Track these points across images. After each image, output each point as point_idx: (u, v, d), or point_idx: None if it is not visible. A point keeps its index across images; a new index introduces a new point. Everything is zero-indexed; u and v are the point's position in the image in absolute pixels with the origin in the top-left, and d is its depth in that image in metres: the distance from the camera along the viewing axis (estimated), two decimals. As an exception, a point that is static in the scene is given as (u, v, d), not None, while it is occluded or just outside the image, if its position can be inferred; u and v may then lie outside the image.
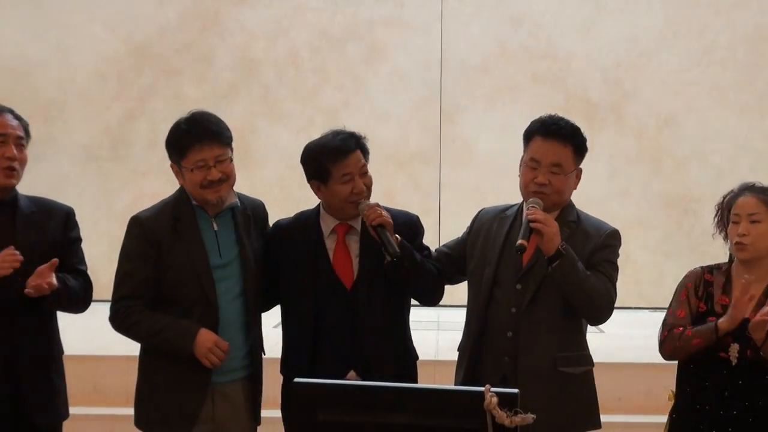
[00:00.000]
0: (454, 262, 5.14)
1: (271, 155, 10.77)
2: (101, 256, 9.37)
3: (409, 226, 4.98)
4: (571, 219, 4.86)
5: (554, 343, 4.78)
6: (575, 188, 4.95)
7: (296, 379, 3.25)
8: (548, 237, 4.56)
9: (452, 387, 3.33)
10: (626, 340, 8.09)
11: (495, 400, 3.03)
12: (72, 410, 5.00)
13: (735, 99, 11.10)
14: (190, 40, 11.20)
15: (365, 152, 4.95)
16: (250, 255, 4.81)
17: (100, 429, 6.39)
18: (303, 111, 11.14)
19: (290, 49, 11.23)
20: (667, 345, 4.76)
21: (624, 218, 10.80)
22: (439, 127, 11.16)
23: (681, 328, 4.70)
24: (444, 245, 5.26)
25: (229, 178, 4.74)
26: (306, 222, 4.96)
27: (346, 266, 4.87)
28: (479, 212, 5.20)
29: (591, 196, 10.73)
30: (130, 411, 4.95)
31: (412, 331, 5.07)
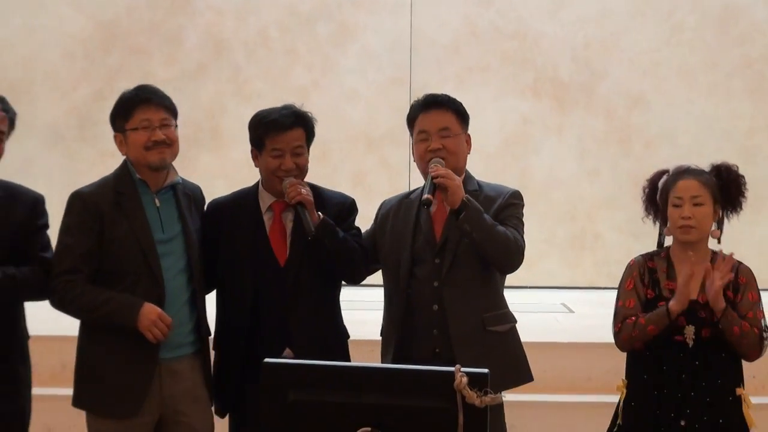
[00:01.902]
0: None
1: (241, 135, 10.53)
2: (69, 236, 9.37)
3: (342, 207, 5.06)
4: (472, 188, 4.99)
5: (479, 306, 4.95)
6: (468, 153, 5.11)
7: (266, 360, 3.25)
8: (452, 190, 4.70)
9: (422, 367, 3.33)
10: (596, 319, 8.12)
11: (465, 380, 3.06)
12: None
13: (703, 79, 11.15)
14: (159, 20, 11.16)
15: (309, 134, 4.98)
16: (191, 230, 4.83)
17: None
18: (272, 91, 11.10)
19: (260, 28, 11.21)
20: (623, 335, 4.79)
21: (593, 198, 10.91)
22: (408, 108, 11.15)
23: (633, 318, 4.73)
24: None
25: (172, 145, 4.81)
26: (245, 198, 5.03)
27: (280, 243, 4.93)
28: (382, 203, 5.40)
29: (560, 176, 10.83)
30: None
31: (363, 311, 5.13)
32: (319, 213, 4.78)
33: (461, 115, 5.08)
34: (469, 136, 5.10)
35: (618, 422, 4.87)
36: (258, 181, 5.06)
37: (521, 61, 11.18)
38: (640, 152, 11.03)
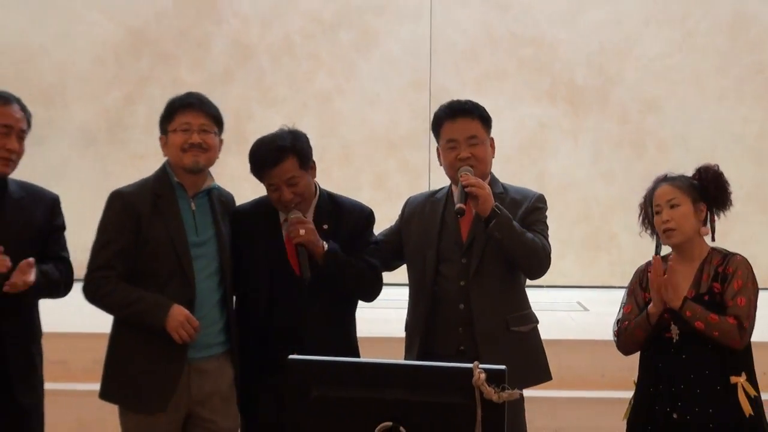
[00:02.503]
0: (392, 248, 5.22)
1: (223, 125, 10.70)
2: (100, 236, 9.40)
3: (359, 220, 4.99)
4: (497, 191, 4.96)
5: (504, 307, 4.94)
6: (493, 157, 5.08)
7: (290, 357, 3.26)
8: (483, 198, 4.69)
9: (442, 364, 3.33)
10: (610, 317, 7.99)
11: (483, 376, 3.05)
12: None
13: (714, 85, 11.13)
14: (187, 27, 11.20)
15: (302, 158, 4.82)
16: (224, 234, 4.83)
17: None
18: (296, 96, 11.15)
19: (284, 35, 11.22)
20: (621, 341, 4.84)
21: (607, 200, 10.88)
22: (428, 111, 11.14)
23: (626, 323, 4.78)
24: (379, 233, 5.29)
25: (209, 150, 4.79)
26: (265, 207, 4.96)
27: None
28: (408, 200, 5.35)
29: (575, 179, 10.82)
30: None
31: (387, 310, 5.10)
32: (324, 243, 4.74)
33: (486, 121, 5.04)
34: (492, 139, 5.07)
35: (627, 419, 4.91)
36: None
37: (538, 66, 11.18)
38: (653, 155, 11.01)
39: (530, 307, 5.10)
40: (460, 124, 4.98)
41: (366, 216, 5.03)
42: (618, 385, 6.58)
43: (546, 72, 11.16)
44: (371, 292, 4.99)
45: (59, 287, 4.82)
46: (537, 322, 5.11)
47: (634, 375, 4.99)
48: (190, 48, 11.18)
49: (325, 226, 4.80)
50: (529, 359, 4.99)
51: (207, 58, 11.16)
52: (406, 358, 5.07)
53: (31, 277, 4.52)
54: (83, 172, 10.94)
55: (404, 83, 11.20)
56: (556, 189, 10.11)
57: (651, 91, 11.17)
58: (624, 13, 11.16)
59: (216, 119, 4.86)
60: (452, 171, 4.94)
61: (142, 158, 10.86)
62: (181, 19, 11.19)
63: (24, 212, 4.73)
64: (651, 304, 4.61)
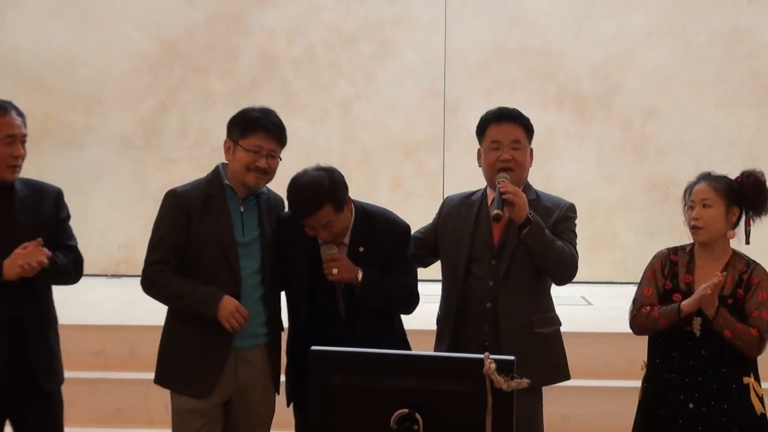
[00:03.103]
0: (428, 245, 5.22)
1: (290, 144, 10.66)
2: (136, 235, 9.44)
3: (394, 239, 4.90)
4: (531, 197, 4.93)
5: (528, 309, 4.93)
6: (530, 166, 5.07)
7: (313, 348, 3.27)
8: (519, 206, 4.67)
9: (454, 354, 3.34)
10: (613, 312, 8.09)
11: (493, 366, 3.06)
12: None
13: (712, 93, 11.09)
14: (216, 39, 11.20)
15: (337, 203, 4.69)
16: (268, 236, 4.84)
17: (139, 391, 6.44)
18: (319, 103, 11.15)
19: (307, 46, 11.22)
20: (637, 323, 4.83)
21: (611, 201, 10.87)
22: (443, 118, 11.16)
23: (648, 308, 4.76)
24: (417, 231, 5.28)
25: (270, 174, 4.82)
26: None
27: None
28: (445, 200, 5.33)
29: (580, 181, 10.81)
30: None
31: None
32: (360, 272, 4.70)
33: (529, 130, 5.04)
34: (532, 149, 5.07)
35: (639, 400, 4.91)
36: None
37: (545, 75, 11.15)
38: (654, 159, 10.99)
39: (554, 311, 5.10)
40: (506, 127, 4.97)
41: (402, 234, 4.95)
42: (620, 374, 6.59)
43: (553, 81, 11.14)
44: (407, 309, 4.97)
45: (69, 272, 4.86)
46: (560, 324, 5.10)
47: (637, 366, 4.98)
48: (220, 59, 11.18)
49: (361, 249, 4.77)
50: (549, 360, 4.99)
51: (235, 68, 11.16)
52: (436, 350, 5.08)
53: (42, 256, 4.56)
54: (120, 175, 10.96)
55: (420, 91, 11.19)
56: (562, 191, 10.01)
57: (652, 99, 11.13)
58: (626, 25, 11.13)
59: (283, 143, 4.89)
60: (491, 171, 4.94)
61: (175, 162, 10.90)
62: (210, 32, 11.20)
63: (31, 209, 4.79)
64: (687, 302, 4.57)
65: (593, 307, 8.87)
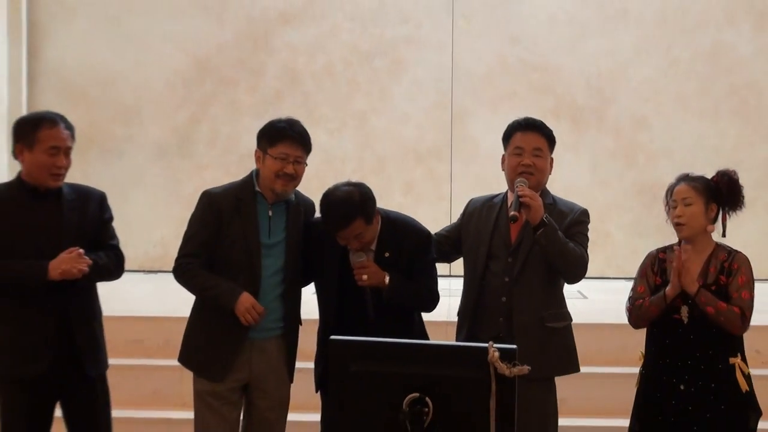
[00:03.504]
0: (452, 243, 5.19)
1: (311, 152, 10.73)
2: (170, 234, 9.45)
3: (418, 244, 4.87)
4: (548, 202, 4.95)
5: (540, 304, 4.89)
6: (550, 174, 5.08)
7: (332, 337, 3.28)
8: (534, 209, 4.67)
9: (461, 343, 3.36)
10: (605, 304, 8.10)
11: (497, 354, 3.06)
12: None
13: (696, 104, 11.08)
14: (244, 56, 11.22)
15: (368, 216, 4.67)
16: (293, 240, 4.84)
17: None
18: (337, 115, 11.16)
19: (327, 62, 11.23)
20: (633, 316, 4.86)
21: (603, 204, 10.85)
22: (450, 128, 11.16)
23: (640, 301, 4.80)
24: (443, 229, 5.28)
25: (297, 178, 4.80)
26: None
27: None
28: (470, 201, 5.27)
29: (576, 185, 10.78)
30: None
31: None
32: (387, 276, 4.68)
33: (551, 141, 5.05)
34: (552, 159, 5.08)
35: (636, 386, 4.94)
36: None
37: (544, 89, 11.14)
38: (642, 165, 10.98)
39: (565, 306, 5.05)
40: (530, 136, 4.98)
41: (424, 240, 4.90)
42: (612, 361, 6.58)
43: (551, 94, 11.13)
44: (428, 308, 4.95)
45: (110, 270, 4.87)
46: (570, 320, 5.06)
47: (627, 353, 5.00)
48: (247, 74, 11.20)
49: (387, 254, 4.74)
50: (560, 353, 4.95)
51: (261, 82, 11.17)
52: (457, 339, 5.06)
53: (84, 265, 4.58)
54: (156, 180, 10.99)
55: (429, 103, 11.18)
56: (560, 194, 9.99)
57: (641, 110, 11.13)
58: (618, 43, 11.12)
59: (308, 149, 4.86)
60: (513, 175, 4.93)
61: (206, 168, 10.92)
62: (239, 49, 11.21)
63: (77, 211, 4.79)
64: (669, 287, 4.64)
65: (588, 300, 8.86)
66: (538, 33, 11.21)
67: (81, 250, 4.59)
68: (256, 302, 4.66)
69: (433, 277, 4.92)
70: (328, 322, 4.85)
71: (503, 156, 5.05)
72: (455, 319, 5.17)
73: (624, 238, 10.59)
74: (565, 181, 10.76)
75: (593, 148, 11.10)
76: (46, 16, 11.22)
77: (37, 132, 4.66)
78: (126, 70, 11.17)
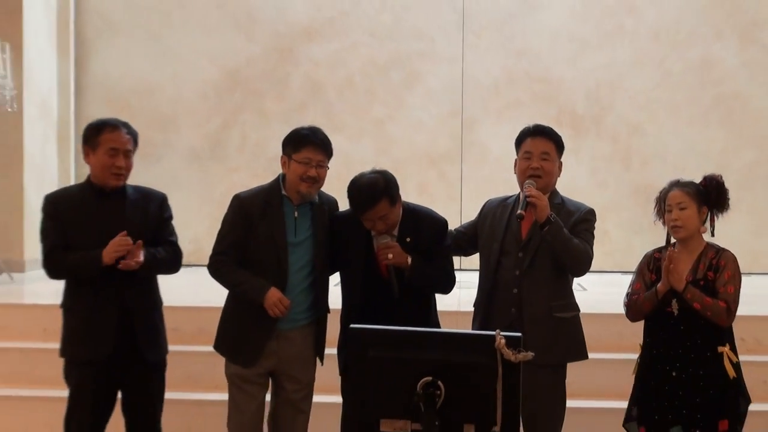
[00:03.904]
0: (468, 239, 5.17)
1: (333, 156, 10.76)
2: (204, 231, 9.45)
3: (435, 231, 4.87)
4: (557, 202, 4.93)
5: (549, 295, 4.85)
6: (558, 176, 5.04)
7: (351, 326, 3.28)
8: (541, 208, 4.67)
9: (470, 331, 3.35)
10: (604, 295, 8.06)
11: (503, 341, 3.06)
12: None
13: (686, 113, 11.07)
14: (271, 68, 11.23)
15: (393, 199, 4.68)
16: (319, 237, 4.84)
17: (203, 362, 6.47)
18: (357, 122, 11.16)
19: (347, 74, 11.23)
20: (630, 311, 4.87)
21: (602, 204, 10.78)
22: (461, 134, 11.15)
23: (636, 296, 4.81)
24: (461, 226, 5.27)
25: (319, 181, 4.80)
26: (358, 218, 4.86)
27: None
28: (486, 202, 5.24)
29: (577, 186, 10.76)
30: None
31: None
32: (409, 257, 4.67)
33: (559, 146, 5.02)
34: (561, 163, 5.06)
35: (633, 373, 4.95)
36: None
37: (546, 98, 11.14)
38: (637, 168, 10.96)
39: (573, 298, 5.01)
40: (539, 141, 4.95)
41: (441, 227, 4.89)
42: (609, 348, 6.54)
43: (553, 103, 11.12)
44: (446, 290, 4.92)
45: (168, 264, 4.90)
46: (578, 310, 5.00)
47: (624, 341, 5.00)
48: (274, 85, 11.21)
49: (408, 239, 4.72)
50: (568, 341, 4.90)
51: (286, 92, 11.18)
52: (472, 328, 5.03)
53: (141, 257, 4.62)
54: (190, 182, 11.01)
55: (442, 112, 11.18)
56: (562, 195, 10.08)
57: (636, 118, 11.12)
58: (615, 57, 11.12)
59: (329, 154, 4.86)
60: (522, 177, 4.91)
61: (236, 171, 10.94)
62: (266, 62, 11.23)
63: (139, 210, 4.84)
64: (660, 283, 4.65)
65: (587, 292, 8.83)
66: (541, 48, 11.21)
67: (140, 242, 4.63)
68: (283, 296, 4.67)
69: (450, 261, 4.92)
70: (352, 309, 4.84)
71: (515, 160, 5.03)
72: (465, 308, 5.16)
73: (621, 235, 10.56)
74: (567, 183, 10.69)
75: (592, 152, 11.09)
76: (92, 33, 11.26)
77: (99, 135, 4.77)
78: (164, 82, 11.21)
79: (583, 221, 4.96)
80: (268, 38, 11.27)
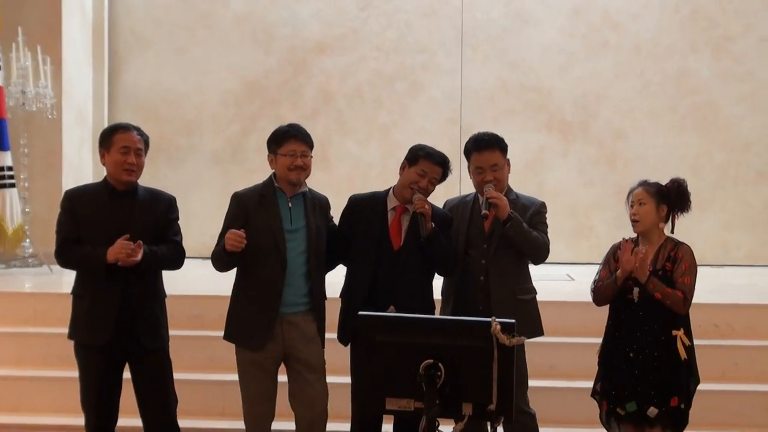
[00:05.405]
0: None
1: (341, 159, 10.80)
2: (226, 228, 9.44)
3: (444, 220, 5.00)
4: (512, 198, 5.04)
5: (512, 280, 5.00)
6: (509, 173, 5.11)
7: (360, 312, 3.29)
8: (501, 207, 4.82)
9: (468, 318, 3.36)
10: (589, 285, 8.05)
11: (498, 327, 3.07)
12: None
13: (665, 120, 11.07)
14: (286, 79, 11.23)
15: (504, 151, 5.03)
16: (313, 225, 4.87)
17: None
18: (365, 129, 11.15)
19: (356, 85, 11.22)
20: (594, 296, 4.97)
21: (588, 202, 10.84)
22: (459, 140, 11.11)
23: (600, 283, 4.91)
24: None
25: (306, 169, 4.87)
26: (377, 199, 5.02)
27: (396, 235, 4.92)
28: (446, 202, 5.38)
29: (566, 187, 10.79)
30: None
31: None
32: (432, 223, 4.80)
33: (504, 150, 5.06)
34: (509, 160, 5.09)
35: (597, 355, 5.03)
36: (390, 188, 5.07)
37: (538, 106, 11.13)
38: (621, 170, 10.94)
39: (531, 282, 5.14)
40: (485, 155, 5.01)
41: (448, 219, 5.06)
42: (594, 333, 6.49)
43: (544, 110, 11.12)
44: (451, 270, 5.04)
45: (168, 261, 4.92)
46: (536, 293, 5.14)
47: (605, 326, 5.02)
48: (289, 94, 11.21)
49: (433, 224, 4.81)
50: (528, 320, 5.00)
51: (300, 101, 11.18)
52: (443, 311, 5.16)
53: (138, 256, 4.63)
54: (212, 183, 11.02)
55: (442, 119, 11.17)
56: (552, 194, 10.06)
57: (620, 124, 11.11)
58: (600, 69, 11.11)
59: (311, 145, 4.92)
60: (479, 187, 5.02)
61: (255, 172, 10.80)
62: (282, 73, 11.23)
63: (148, 210, 4.87)
64: (618, 271, 4.74)
65: (575, 282, 8.84)
66: (533, 60, 11.19)
67: (140, 242, 4.65)
68: (236, 231, 4.67)
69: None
70: (360, 281, 4.91)
71: (468, 167, 5.14)
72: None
73: (606, 231, 10.52)
74: (557, 183, 10.81)
75: (580, 155, 11.08)
76: (124, 47, 11.27)
77: (113, 137, 4.81)
78: (189, 91, 11.22)
79: (537, 214, 5.06)
80: (284, 52, 11.26)
